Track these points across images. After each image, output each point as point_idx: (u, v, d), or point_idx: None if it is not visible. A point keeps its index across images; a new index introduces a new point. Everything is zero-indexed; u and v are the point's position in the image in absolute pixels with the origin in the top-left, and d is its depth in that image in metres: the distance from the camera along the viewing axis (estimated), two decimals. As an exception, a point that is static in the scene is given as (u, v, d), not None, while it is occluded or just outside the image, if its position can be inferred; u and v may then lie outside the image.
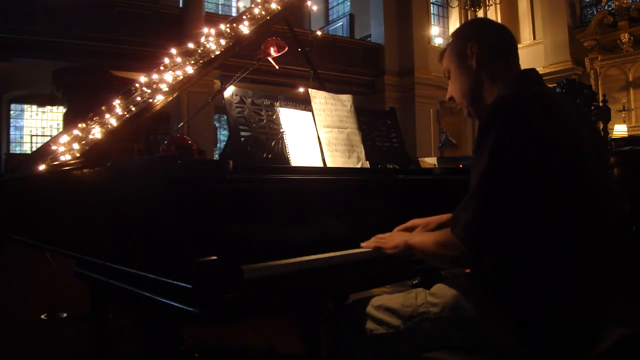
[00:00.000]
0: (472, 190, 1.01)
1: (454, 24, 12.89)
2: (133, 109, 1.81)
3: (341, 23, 13.08)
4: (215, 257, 0.95)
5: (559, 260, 0.98)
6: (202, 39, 2.09)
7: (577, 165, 1.01)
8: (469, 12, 11.34)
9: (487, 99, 1.19)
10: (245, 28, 2.09)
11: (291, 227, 1.24)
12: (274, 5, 2.22)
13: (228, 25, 2.14)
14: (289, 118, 1.61)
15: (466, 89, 1.23)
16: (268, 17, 2.18)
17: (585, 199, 1.01)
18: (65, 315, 3.06)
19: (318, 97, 1.73)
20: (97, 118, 1.91)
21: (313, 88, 1.77)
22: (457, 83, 1.26)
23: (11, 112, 11.13)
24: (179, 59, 2.02)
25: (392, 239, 1.27)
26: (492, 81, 1.18)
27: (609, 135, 4.41)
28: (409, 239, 1.21)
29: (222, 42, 2.04)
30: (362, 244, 1.31)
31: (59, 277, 3.03)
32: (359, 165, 1.72)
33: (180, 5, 9.11)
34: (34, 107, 11.42)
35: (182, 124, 6.09)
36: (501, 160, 0.98)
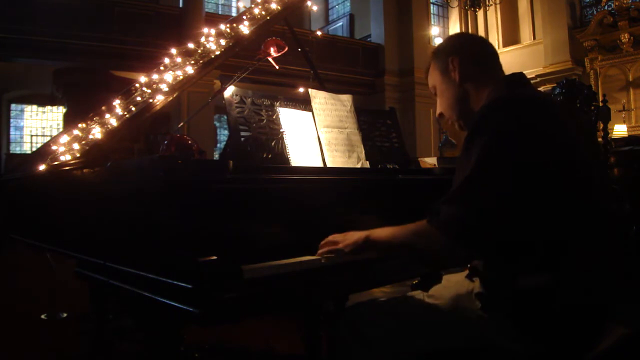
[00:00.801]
0: (458, 185, 1.01)
1: (454, 24, 12.90)
2: (133, 109, 1.81)
3: (341, 23, 13.08)
4: (215, 257, 0.95)
5: (558, 260, 0.98)
6: (202, 39, 2.09)
7: (572, 164, 1.01)
8: (469, 12, 11.35)
9: (476, 107, 1.18)
10: (245, 28, 2.09)
11: (291, 227, 1.24)
12: (274, 5, 2.22)
13: (228, 25, 2.14)
14: (289, 118, 1.61)
15: (453, 101, 1.24)
16: (268, 17, 2.18)
17: (583, 199, 1.01)
18: (65, 315, 3.06)
19: (318, 97, 1.73)
20: (97, 118, 1.91)
21: (313, 88, 1.77)
22: (443, 98, 1.26)
23: (11, 112, 11.12)
24: (179, 59, 2.02)
25: (348, 237, 1.17)
26: (478, 90, 1.19)
27: (609, 136, 4.39)
28: (369, 234, 1.14)
29: (222, 42, 2.04)
30: (319, 252, 1.18)
31: (59, 277, 3.03)
32: (359, 165, 1.72)
33: (180, 5, 9.11)
34: (34, 107, 11.40)
35: (182, 124, 6.08)
36: (492, 159, 0.98)
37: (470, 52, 1.22)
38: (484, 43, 1.27)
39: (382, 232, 1.13)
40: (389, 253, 1.16)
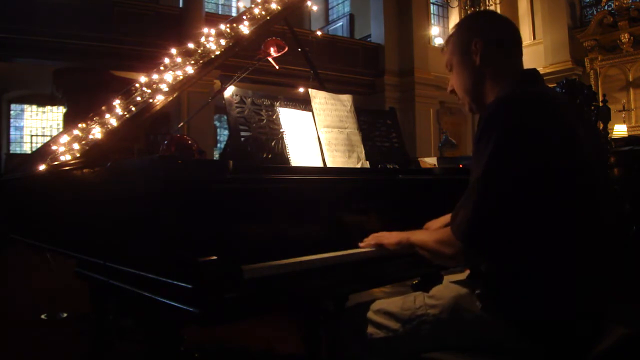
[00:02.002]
0: (470, 189, 1.01)
1: (454, 24, 12.86)
2: (133, 109, 1.81)
3: (341, 23, 13.07)
4: (215, 257, 0.95)
5: (558, 260, 0.98)
6: (202, 39, 2.09)
7: (576, 166, 1.01)
8: (469, 12, 11.33)
9: (488, 96, 1.18)
10: (245, 28, 2.09)
11: (291, 227, 1.24)
12: (274, 5, 2.22)
13: (228, 25, 2.14)
14: (289, 118, 1.61)
15: (469, 85, 1.22)
16: (268, 17, 2.18)
17: (585, 199, 1.01)
18: (65, 315, 3.06)
19: (318, 97, 1.73)
20: (97, 118, 1.91)
21: (313, 88, 1.77)
22: (459, 78, 1.25)
23: (11, 112, 11.12)
24: (179, 59, 2.02)
25: (393, 235, 1.26)
26: (494, 79, 1.17)
27: (609, 135, 4.39)
28: (411, 236, 1.20)
29: (222, 42, 2.04)
30: (361, 244, 1.29)
31: (59, 277, 3.03)
32: (359, 165, 1.72)
33: (180, 5, 9.11)
34: (34, 107, 11.41)
35: (182, 124, 6.08)
36: (501, 162, 0.98)
37: (496, 37, 1.18)
38: (511, 27, 1.22)
39: (419, 237, 1.18)
40: (424, 257, 1.18)
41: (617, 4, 9.82)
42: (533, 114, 1.01)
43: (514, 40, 1.20)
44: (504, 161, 0.97)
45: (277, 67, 2.18)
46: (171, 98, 1.79)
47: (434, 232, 1.16)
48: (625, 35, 9.71)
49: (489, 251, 1.02)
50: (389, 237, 1.26)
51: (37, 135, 11.34)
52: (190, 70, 1.88)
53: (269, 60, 2.15)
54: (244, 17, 2.18)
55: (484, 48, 1.17)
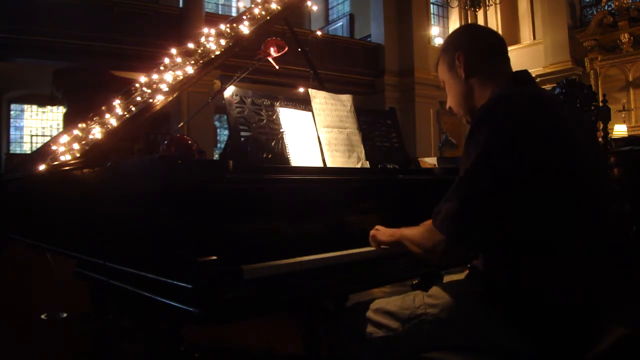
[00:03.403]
0: (456, 184, 1.02)
1: (454, 24, 12.89)
2: (133, 109, 1.81)
3: (341, 23, 13.08)
4: (215, 257, 0.95)
5: (557, 260, 0.98)
6: (202, 39, 2.09)
7: (572, 164, 1.01)
8: (469, 12, 11.35)
9: (480, 104, 1.19)
10: (245, 28, 2.09)
11: (291, 227, 1.24)
12: (274, 5, 2.22)
13: (228, 25, 2.14)
14: (289, 118, 1.61)
15: (459, 97, 1.24)
16: (268, 17, 2.18)
17: (583, 198, 1.01)
18: (65, 315, 3.05)
19: (318, 97, 1.73)
20: (97, 118, 1.92)
21: (313, 88, 1.77)
22: (451, 93, 1.27)
23: (11, 112, 11.13)
24: (179, 59, 2.02)
25: (387, 229, 1.29)
26: (482, 86, 1.19)
27: (609, 136, 4.39)
28: (403, 231, 1.22)
29: (222, 42, 2.04)
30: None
31: (59, 277, 3.02)
32: (359, 165, 1.72)
33: (180, 5, 9.12)
34: (34, 107, 11.41)
35: (182, 124, 6.08)
36: (490, 158, 0.98)
37: (477, 46, 1.21)
38: (492, 36, 1.25)
39: (408, 231, 1.20)
40: (413, 252, 1.19)
41: (617, 4, 9.81)
42: (528, 111, 1.01)
43: (497, 47, 1.22)
44: (496, 156, 0.97)
45: (277, 67, 2.18)
46: (171, 98, 1.79)
47: (421, 226, 1.17)
48: (625, 35, 9.70)
49: (471, 245, 1.04)
50: (383, 233, 1.29)
51: (37, 135, 11.35)
52: (190, 70, 1.88)
53: (269, 60, 2.15)
54: (244, 17, 2.18)
55: (466, 59, 1.20)
